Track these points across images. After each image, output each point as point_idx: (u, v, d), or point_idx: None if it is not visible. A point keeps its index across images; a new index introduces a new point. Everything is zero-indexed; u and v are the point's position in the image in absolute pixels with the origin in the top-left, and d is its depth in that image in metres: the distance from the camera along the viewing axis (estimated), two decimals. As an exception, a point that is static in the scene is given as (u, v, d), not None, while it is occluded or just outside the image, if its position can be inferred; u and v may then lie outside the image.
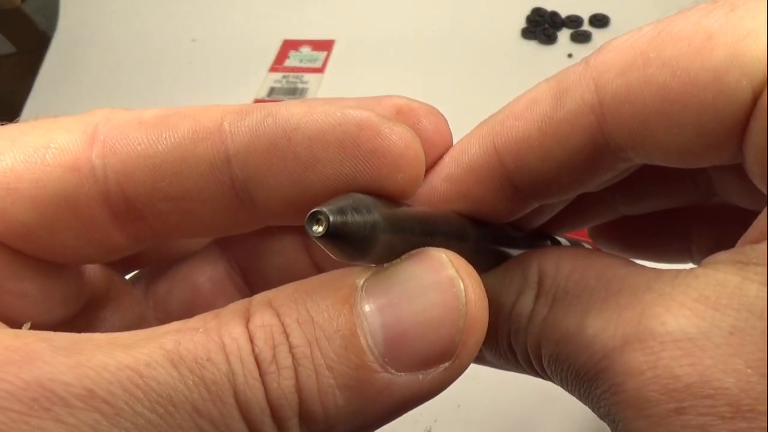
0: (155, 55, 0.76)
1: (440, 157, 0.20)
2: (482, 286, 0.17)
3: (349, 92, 0.71)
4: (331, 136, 0.16)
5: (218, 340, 0.15)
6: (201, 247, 0.25)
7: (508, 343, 0.20)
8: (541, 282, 0.19)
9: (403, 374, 0.15)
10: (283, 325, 0.15)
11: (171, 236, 0.19)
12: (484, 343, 0.20)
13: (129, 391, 0.14)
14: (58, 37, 0.79)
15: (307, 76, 0.72)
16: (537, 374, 0.20)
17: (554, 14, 0.74)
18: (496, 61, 0.71)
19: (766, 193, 0.16)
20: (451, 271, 0.16)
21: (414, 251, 0.17)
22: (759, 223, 0.16)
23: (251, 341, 0.15)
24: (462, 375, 0.17)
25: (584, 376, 0.17)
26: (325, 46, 0.75)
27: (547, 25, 0.74)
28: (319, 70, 0.72)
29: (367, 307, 0.15)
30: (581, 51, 0.71)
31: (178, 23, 0.80)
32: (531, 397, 0.44)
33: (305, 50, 0.75)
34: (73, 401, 0.13)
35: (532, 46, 0.72)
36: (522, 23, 0.75)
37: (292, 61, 0.74)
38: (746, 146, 0.16)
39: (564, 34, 0.73)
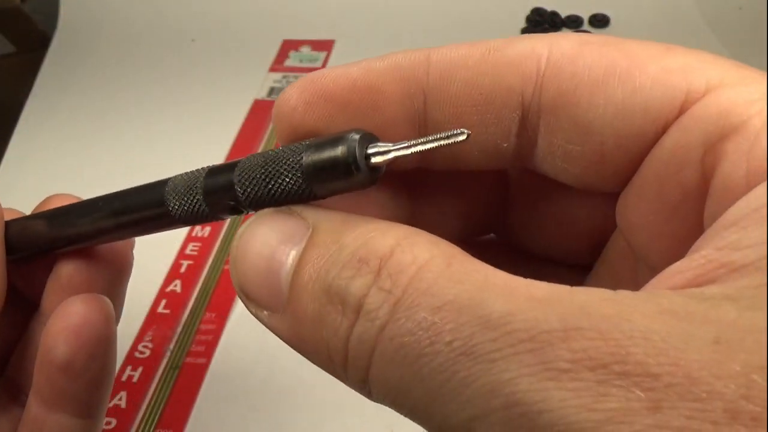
0: (155, 55, 0.76)
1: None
2: None
3: (349, 92, 0.71)
4: None
5: None
6: None
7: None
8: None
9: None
10: None
11: None
12: None
13: None
14: (58, 37, 0.79)
15: (307, 76, 0.71)
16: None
17: (554, 14, 0.74)
18: (496, 61, 0.71)
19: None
20: None
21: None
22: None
23: None
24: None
25: None
26: (325, 46, 0.75)
27: (547, 25, 0.74)
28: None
29: None
30: (581, 51, 0.71)
31: (178, 23, 0.80)
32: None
33: (305, 50, 0.75)
34: None
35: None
36: (522, 23, 0.75)
37: (292, 61, 0.74)
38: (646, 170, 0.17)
39: (564, 34, 0.73)
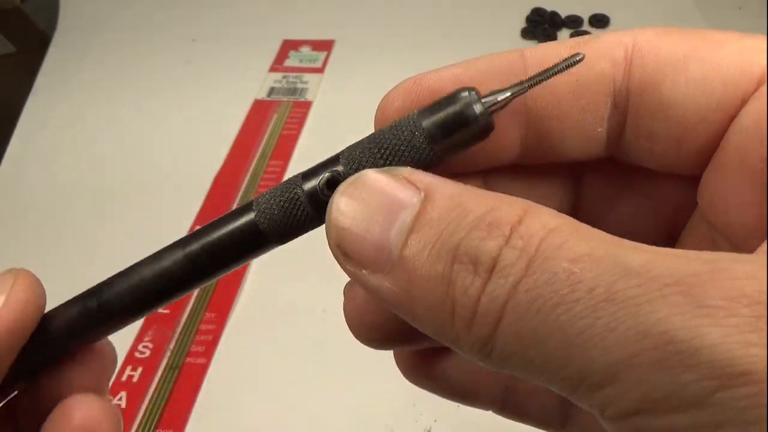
0: (155, 55, 0.76)
1: None
2: None
3: (349, 92, 0.72)
4: None
5: None
6: None
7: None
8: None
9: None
10: None
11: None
12: None
13: None
14: (58, 37, 0.79)
15: (306, 76, 0.72)
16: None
17: (554, 14, 0.74)
18: (496, 61, 0.71)
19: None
20: None
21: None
22: None
23: None
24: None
25: None
26: (325, 46, 0.75)
27: (547, 25, 0.74)
28: (319, 70, 0.72)
29: None
30: (581, 51, 0.71)
31: (178, 23, 0.80)
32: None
33: (305, 50, 0.75)
34: None
35: (532, 46, 0.72)
36: (522, 23, 0.75)
37: (292, 61, 0.74)
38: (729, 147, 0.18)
39: (564, 34, 0.73)
